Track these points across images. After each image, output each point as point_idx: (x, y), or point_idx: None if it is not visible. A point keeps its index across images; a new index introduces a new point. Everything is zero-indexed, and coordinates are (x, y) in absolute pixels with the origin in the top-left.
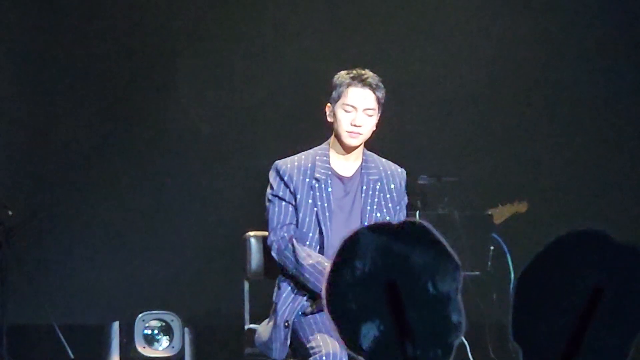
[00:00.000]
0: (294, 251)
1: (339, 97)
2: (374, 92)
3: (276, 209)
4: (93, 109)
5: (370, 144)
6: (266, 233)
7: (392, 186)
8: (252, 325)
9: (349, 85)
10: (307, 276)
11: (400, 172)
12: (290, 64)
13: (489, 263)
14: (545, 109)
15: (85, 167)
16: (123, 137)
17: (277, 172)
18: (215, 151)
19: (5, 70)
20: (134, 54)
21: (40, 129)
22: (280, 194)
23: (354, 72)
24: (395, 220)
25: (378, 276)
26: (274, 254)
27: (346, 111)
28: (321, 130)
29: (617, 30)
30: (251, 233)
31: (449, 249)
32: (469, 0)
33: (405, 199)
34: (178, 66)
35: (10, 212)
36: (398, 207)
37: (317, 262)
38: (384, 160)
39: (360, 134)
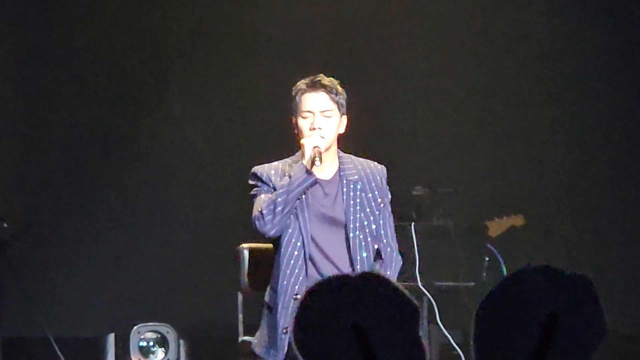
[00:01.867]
0: (264, 202)
1: (296, 107)
2: (328, 94)
3: (260, 197)
4: (87, 124)
5: (364, 154)
6: (260, 245)
7: (374, 184)
8: (246, 337)
9: (303, 92)
10: (280, 192)
11: (380, 169)
12: (285, 78)
13: (484, 274)
14: (542, 119)
15: (79, 181)
16: (117, 151)
17: (255, 175)
18: (209, 164)
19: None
20: (128, 69)
21: (35, 143)
22: (263, 189)
23: (308, 78)
24: (380, 219)
25: (344, 319)
26: (255, 222)
27: (304, 117)
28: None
29: (620, 40)
30: (245, 245)
31: (406, 293)
32: (464, 11)
33: (389, 195)
34: (171, 81)
35: (5, 225)
36: (382, 205)
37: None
38: (361, 159)
39: (322, 137)
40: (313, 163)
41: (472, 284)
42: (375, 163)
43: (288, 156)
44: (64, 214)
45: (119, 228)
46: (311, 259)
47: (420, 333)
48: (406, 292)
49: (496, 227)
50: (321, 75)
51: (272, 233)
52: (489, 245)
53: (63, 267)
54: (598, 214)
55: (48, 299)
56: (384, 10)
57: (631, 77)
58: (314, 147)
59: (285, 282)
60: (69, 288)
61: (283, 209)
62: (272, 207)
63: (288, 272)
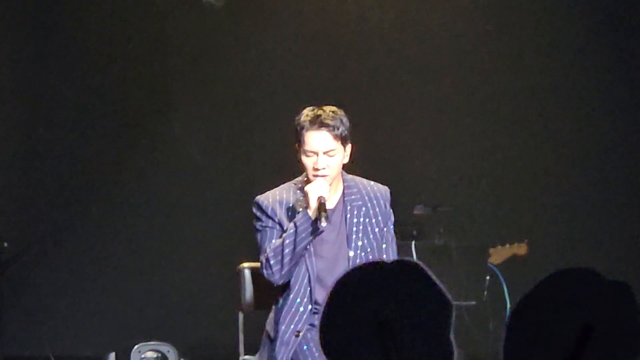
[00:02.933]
0: (271, 250)
1: (299, 142)
2: (331, 132)
3: (266, 236)
4: (88, 141)
5: (364, 174)
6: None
7: (377, 210)
8: (246, 357)
9: (307, 130)
10: (287, 242)
11: (384, 193)
12: (285, 91)
13: (485, 293)
14: (546, 140)
15: (80, 200)
16: (117, 169)
17: (260, 206)
18: (210, 184)
19: None
20: (129, 86)
21: (36, 162)
22: (268, 224)
23: (311, 113)
24: (382, 244)
25: (371, 315)
26: (263, 270)
27: (308, 156)
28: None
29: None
30: (245, 264)
31: (441, 286)
32: (467, 30)
33: (392, 218)
34: (173, 98)
35: (5, 244)
36: (385, 229)
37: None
38: (365, 181)
39: (325, 175)
40: (319, 216)
41: (474, 303)
42: (379, 185)
43: (289, 177)
44: (64, 234)
45: (120, 247)
46: (313, 295)
47: (451, 333)
48: (441, 285)
49: (499, 254)
50: (323, 109)
51: (280, 282)
52: (490, 264)
53: (64, 286)
54: (601, 232)
55: (49, 318)
56: (384, 32)
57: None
58: (319, 198)
59: (289, 318)
60: (70, 307)
61: (291, 260)
62: (279, 257)
63: (293, 309)
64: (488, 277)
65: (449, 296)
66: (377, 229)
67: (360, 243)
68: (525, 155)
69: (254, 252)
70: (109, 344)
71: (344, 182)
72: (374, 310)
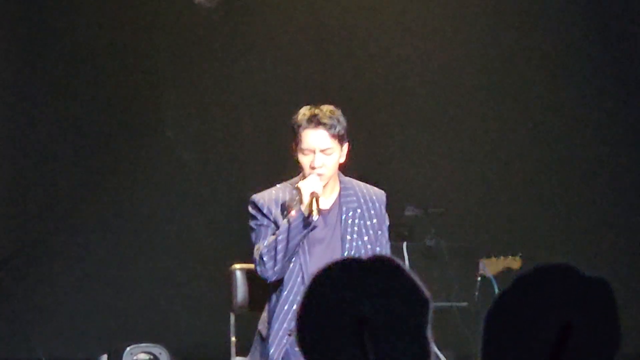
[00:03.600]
0: (264, 247)
1: (296, 141)
2: (328, 131)
3: (261, 233)
4: (78, 144)
5: (356, 175)
6: (252, 266)
7: (373, 212)
8: (238, 358)
9: (304, 128)
10: (280, 238)
11: (379, 196)
12: (277, 94)
13: (476, 293)
14: (537, 141)
15: (70, 202)
16: (108, 171)
17: (255, 205)
18: (201, 184)
19: None
20: (121, 90)
21: (26, 165)
22: (263, 222)
23: (309, 112)
24: (377, 247)
25: (348, 311)
26: (257, 267)
27: (305, 154)
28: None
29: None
30: (237, 266)
31: (419, 283)
32: (460, 32)
33: (387, 221)
34: (163, 101)
35: None
36: (380, 232)
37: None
38: (362, 184)
39: (322, 174)
40: (311, 211)
41: (465, 303)
42: (376, 189)
43: (281, 178)
44: (55, 236)
45: (112, 249)
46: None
47: (429, 331)
48: (418, 281)
49: (493, 266)
50: (320, 109)
51: (273, 279)
52: (481, 265)
53: (55, 288)
54: (598, 227)
55: (41, 321)
56: (377, 32)
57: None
58: (312, 194)
59: (282, 317)
60: (62, 310)
61: (284, 256)
62: (272, 253)
63: (286, 308)
64: (479, 278)
65: (427, 293)
66: (371, 232)
67: (354, 244)
68: (517, 157)
69: (246, 253)
70: (101, 346)
71: (340, 183)
72: (350, 306)
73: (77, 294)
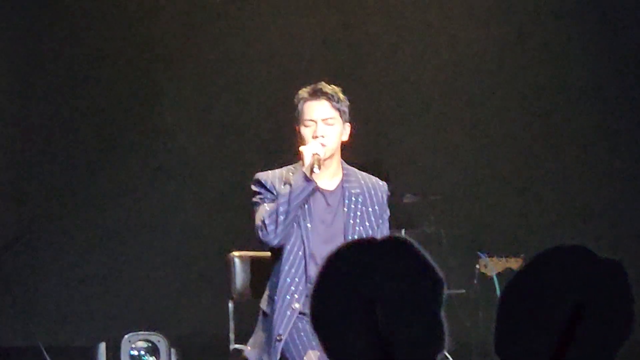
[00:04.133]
0: (266, 212)
1: (299, 116)
2: (330, 101)
3: (264, 207)
4: (77, 131)
5: (354, 161)
6: (251, 253)
7: (374, 199)
8: (237, 346)
9: (305, 101)
10: (282, 201)
11: (381, 185)
12: (277, 83)
13: (475, 281)
14: (535, 126)
15: (70, 190)
16: (107, 158)
17: (259, 181)
18: (200, 171)
19: None
20: (120, 77)
21: (26, 152)
22: (267, 196)
23: (310, 87)
24: (378, 235)
25: (361, 292)
26: (258, 232)
27: (307, 126)
28: None
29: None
30: (235, 253)
31: (432, 264)
32: (460, 21)
33: (387, 212)
34: (163, 87)
35: None
36: (380, 220)
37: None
38: (364, 173)
39: (324, 144)
40: (312, 170)
41: (463, 291)
42: (377, 179)
43: (281, 164)
44: (54, 224)
45: (110, 237)
46: (308, 271)
47: (442, 312)
48: (432, 262)
49: (494, 265)
50: (322, 83)
51: (275, 243)
52: (479, 253)
53: (54, 276)
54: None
55: (39, 308)
56: (377, 20)
57: None
58: (314, 155)
59: (284, 291)
60: (60, 297)
61: (285, 219)
62: (274, 216)
63: (288, 280)
64: (478, 266)
65: (441, 274)
66: (373, 218)
67: (357, 228)
68: (517, 144)
69: (245, 240)
70: (100, 334)
71: (343, 169)
72: (364, 287)
73: (75, 282)
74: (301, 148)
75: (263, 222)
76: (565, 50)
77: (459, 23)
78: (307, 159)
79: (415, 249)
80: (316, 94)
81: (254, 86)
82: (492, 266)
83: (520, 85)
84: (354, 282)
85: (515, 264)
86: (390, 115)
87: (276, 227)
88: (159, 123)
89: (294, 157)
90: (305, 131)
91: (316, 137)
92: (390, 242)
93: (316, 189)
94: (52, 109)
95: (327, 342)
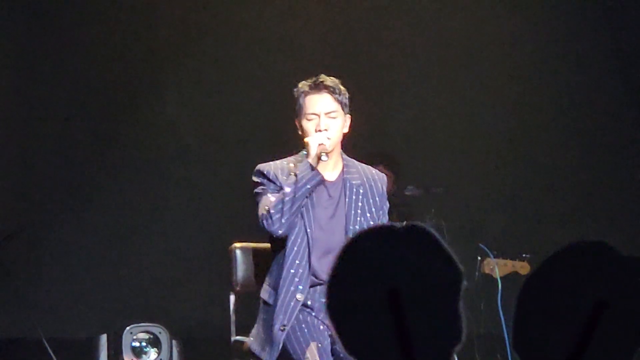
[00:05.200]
0: (271, 202)
1: (300, 109)
2: (332, 94)
3: (269, 197)
4: (78, 123)
5: (356, 153)
6: (252, 245)
7: (375, 191)
8: (238, 337)
9: (306, 94)
10: (288, 191)
11: (381, 177)
12: (278, 75)
13: (477, 273)
14: (536, 120)
15: (71, 182)
16: (109, 150)
17: (261, 172)
18: (201, 163)
19: None
20: (121, 69)
21: (26, 143)
22: (270, 187)
23: (310, 80)
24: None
25: (380, 282)
26: (263, 221)
27: (310, 120)
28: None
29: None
30: (237, 245)
31: (452, 255)
32: (461, 14)
33: (387, 203)
34: (164, 79)
35: None
36: (381, 212)
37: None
38: (363, 165)
39: (327, 138)
40: (319, 159)
41: (465, 283)
42: (377, 170)
43: (281, 156)
44: (56, 216)
45: (112, 229)
46: (311, 262)
47: (461, 304)
48: (452, 253)
49: (501, 268)
50: (322, 75)
51: (280, 232)
52: (481, 245)
53: (55, 268)
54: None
55: (40, 300)
56: (378, 12)
57: None
58: (320, 145)
59: (288, 281)
60: (61, 289)
61: (291, 208)
62: (280, 206)
63: (292, 271)
64: (479, 258)
65: (460, 265)
66: (374, 209)
67: (358, 219)
68: (520, 138)
69: (246, 232)
70: (101, 326)
71: (343, 160)
72: (383, 276)
73: (76, 274)
74: (307, 139)
75: (268, 211)
76: (570, 45)
77: (466, 15)
78: (314, 149)
79: (435, 238)
80: (318, 87)
81: (256, 79)
82: (497, 268)
83: (525, 78)
84: (373, 270)
85: (522, 269)
86: (392, 108)
87: (282, 216)
88: (160, 116)
89: (294, 149)
90: (308, 125)
91: (319, 130)
92: (411, 230)
93: (322, 179)
94: (52, 101)
95: (344, 332)
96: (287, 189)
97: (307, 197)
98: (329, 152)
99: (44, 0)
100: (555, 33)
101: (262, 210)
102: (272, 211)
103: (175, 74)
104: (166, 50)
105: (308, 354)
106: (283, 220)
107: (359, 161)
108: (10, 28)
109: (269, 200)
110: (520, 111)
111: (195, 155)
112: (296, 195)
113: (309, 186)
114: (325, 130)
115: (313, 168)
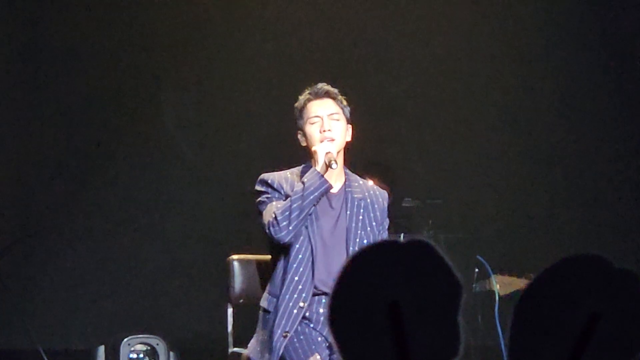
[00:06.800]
0: (278, 209)
1: (302, 117)
2: (333, 99)
3: (274, 205)
4: (77, 133)
5: (355, 165)
6: (250, 256)
7: (376, 206)
8: (236, 349)
9: (308, 101)
10: (295, 198)
11: (382, 193)
12: (275, 85)
13: (474, 285)
14: (533, 132)
15: (69, 191)
16: (107, 160)
17: (265, 181)
18: (200, 175)
19: None
20: (120, 76)
21: (24, 153)
22: (274, 195)
23: (311, 88)
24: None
25: (381, 295)
26: (270, 229)
27: (313, 123)
28: (305, 152)
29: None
30: (234, 257)
31: (453, 269)
32: (459, 21)
33: (387, 220)
34: (163, 89)
35: None
36: (381, 228)
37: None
38: (364, 180)
39: (333, 138)
40: (328, 167)
41: (464, 296)
42: (378, 187)
43: (280, 167)
44: (53, 227)
45: (110, 240)
46: (315, 271)
47: (460, 316)
48: (452, 267)
49: (504, 286)
50: (322, 83)
51: (287, 239)
52: (478, 257)
53: (53, 279)
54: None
55: (38, 311)
56: (379, 21)
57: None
58: (327, 153)
59: (291, 289)
60: (59, 300)
61: (299, 215)
62: (287, 213)
63: (296, 278)
64: (477, 270)
65: (460, 278)
66: (374, 223)
67: (359, 232)
68: (517, 149)
69: (244, 244)
70: (98, 338)
71: (345, 174)
72: (384, 289)
73: (74, 285)
74: (315, 148)
75: (275, 218)
76: (567, 54)
77: (467, 27)
78: (321, 157)
79: (436, 252)
80: (318, 93)
81: (255, 90)
82: (501, 286)
83: (523, 90)
84: (376, 284)
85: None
86: (389, 120)
87: (289, 223)
88: (159, 126)
89: (294, 161)
90: (312, 128)
91: (324, 131)
92: (413, 244)
93: (330, 187)
94: (51, 110)
95: (343, 343)
96: (295, 195)
97: (314, 205)
98: (336, 160)
99: (41, 6)
100: (550, 44)
101: (268, 217)
102: (279, 218)
103: (174, 84)
104: (165, 59)
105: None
106: (290, 228)
107: (358, 175)
108: (9, 35)
109: (275, 207)
110: (519, 122)
111: (193, 167)
112: (304, 203)
113: (316, 194)
114: (329, 130)
115: (321, 176)
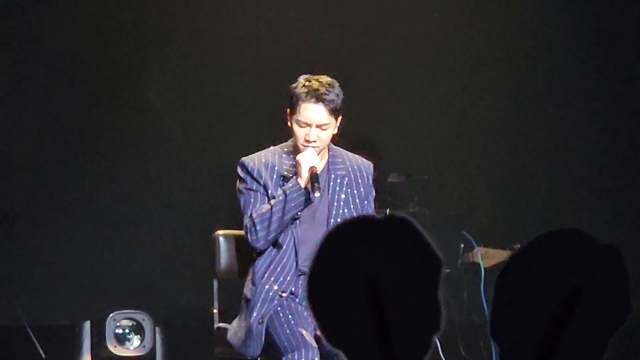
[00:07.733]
0: (258, 216)
1: (293, 110)
2: (327, 106)
3: (250, 198)
4: (62, 110)
5: (340, 141)
6: (235, 232)
7: (360, 181)
8: (221, 324)
9: (303, 101)
10: (275, 209)
11: (367, 166)
12: (261, 63)
13: (460, 261)
14: (523, 107)
15: (53, 169)
16: (92, 138)
17: (245, 167)
18: (184, 150)
19: None
20: (103, 56)
21: (8, 130)
22: (252, 187)
23: (308, 83)
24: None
25: (359, 270)
26: (247, 234)
27: (301, 126)
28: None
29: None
30: (220, 232)
31: (432, 244)
32: (451, 7)
33: (373, 192)
34: (148, 67)
35: None
36: (366, 202)
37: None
38: (350, 154)
39: (315, 147)
40: (311, 187)
41: (448, 270)
42: (363, 159)
43: (266, 144)
44: (37, 202)
45: (94, 216)
46: (296, 252)
47: (440, 293)
48: (431, 242)
49: (489, 258)
50: (319, 81)
51: (263, 248)
52: (464, 232)
53: (38, 254)
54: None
55: (23, 287)
56: (369, 5)
57: None
58: (311, 168)
59: (271, 276)
60: (45, 276)
61: (277, 228)
62: (266, 224)
63: (279, 268)
64: (462, 245)
65: (440, 254)
66: (358, 200)
67: (341, 211)
68: (503, 124)
69: (230, 219)
70: (84, 313)
71: (329, 150)
72: (362, 265)
73: (59, 261)
74: (299, 157)
75: (254, 226)
76: (561, 37)
77: (459, 8)
78: (305, 171)
79: (415, 228)
80: (315, 98)
81: (242, 64)
82: (485, 258)
83: (511, 66)
84: (354, 259)
85: None
86: (375, 94)
87: (267, 234)
88: (144, 104)
89: (280, 139)
90: (298, 131)
91: (308, 141)
92: (391, 220)
93: (311, 202)
94: (32, 87)
95: (324, 321)
96: (276, 207)
97: (295, 218)
98: (320, 187)
99: None
100: (545, 27)
101: (247, 221)
102: (258, 227)
103: (160, 60)
104: (151, 37)
105: (285, 342)
106: (269, 238)
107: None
108: None
109: (253, 209)
110: (507, 98)
111: (179, 142)
112: (284, 218)
113: (298, 210)
114: (315, 141)
115: (303, 192)
